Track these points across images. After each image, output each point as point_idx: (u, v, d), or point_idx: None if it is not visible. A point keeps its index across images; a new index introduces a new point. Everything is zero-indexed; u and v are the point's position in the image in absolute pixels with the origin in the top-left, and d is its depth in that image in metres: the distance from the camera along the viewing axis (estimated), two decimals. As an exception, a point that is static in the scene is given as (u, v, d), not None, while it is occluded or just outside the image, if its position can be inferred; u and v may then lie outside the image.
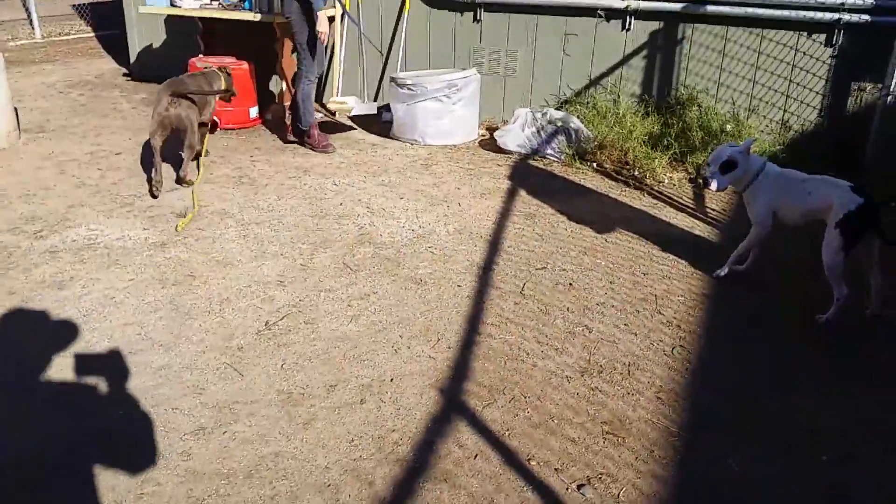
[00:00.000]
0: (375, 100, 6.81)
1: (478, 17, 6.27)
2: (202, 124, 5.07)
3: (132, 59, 7.96)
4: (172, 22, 7.36)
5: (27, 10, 10.02)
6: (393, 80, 5.85)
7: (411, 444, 2.54)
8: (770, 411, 2.77)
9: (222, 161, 5.39)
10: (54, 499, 2.28)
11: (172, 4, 6.47)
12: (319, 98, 6.60)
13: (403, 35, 6.51)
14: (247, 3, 6.19)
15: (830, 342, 3.24)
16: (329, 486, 2.36)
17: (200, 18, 6.52)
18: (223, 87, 5.22)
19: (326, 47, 5.78)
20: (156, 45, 7.76)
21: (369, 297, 3.52)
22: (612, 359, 3.06)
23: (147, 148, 5.11)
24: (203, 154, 5.23)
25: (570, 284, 3.66)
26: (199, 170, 5.07)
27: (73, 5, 11.22)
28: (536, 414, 2.71)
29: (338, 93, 6.36)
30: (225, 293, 3.53)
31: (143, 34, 7.79)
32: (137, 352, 3.03)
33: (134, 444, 2.52)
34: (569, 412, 2.72)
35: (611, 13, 5.81)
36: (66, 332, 3.16)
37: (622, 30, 5.84)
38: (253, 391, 2.82)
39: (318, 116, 5.97)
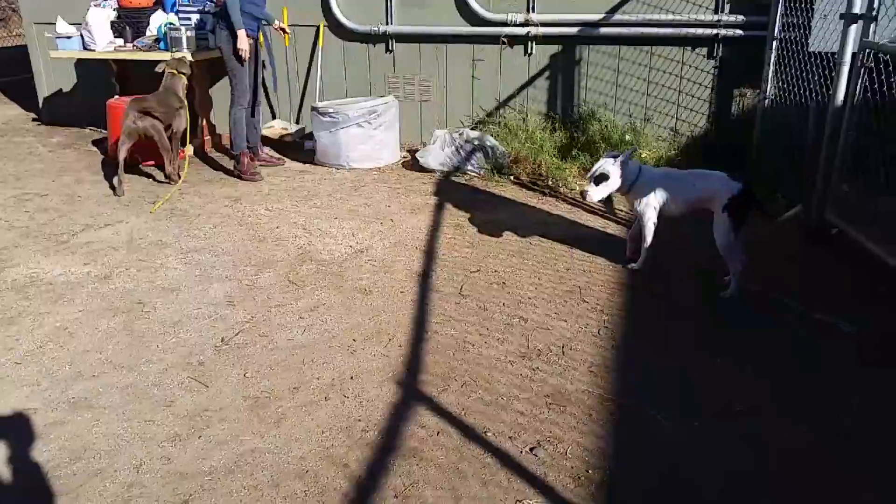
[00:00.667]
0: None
1: (390, 48, 6.62)
2: (173, 136, 5.74)
3: (41, 103, 7.88)
4: (83, 65, 7.36)
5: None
6: (314, 109, 6.09)
7: (378, 430, 2.78)
8: (689, 377, 3.15)
9: (150, 195, 5.48)
10: None
11: (85, 48, 6.50)
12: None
13: (319, 66, 6.78)
14: (161, 44, 6.32)
15: (733, 314, 3.69)
16: (307, 472, 2.56)
17: (115, 60, 6.59)
18: (185, 87, 5.86)
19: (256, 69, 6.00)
20: (66, 88, 7.72)
21: (318, 308, 3.74)
22: (548, 343, 3.39)
23: (107, 165, 6.20)
24: (179, 180, 5.78)
25: (503, 283, 4.00)
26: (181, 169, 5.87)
27: (-34, 54, 10.92)
28: (487, 394, 3.00)
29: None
30: (176, 316, 3.67)
31: (52, 78, 7.74)
32: (101, 374, 3.14)
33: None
34: (515, 390, 3.03)
35: (513, 39, 6.28)
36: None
37: (525, 54, 6.31)
38: (220, 399, 2.98)
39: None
